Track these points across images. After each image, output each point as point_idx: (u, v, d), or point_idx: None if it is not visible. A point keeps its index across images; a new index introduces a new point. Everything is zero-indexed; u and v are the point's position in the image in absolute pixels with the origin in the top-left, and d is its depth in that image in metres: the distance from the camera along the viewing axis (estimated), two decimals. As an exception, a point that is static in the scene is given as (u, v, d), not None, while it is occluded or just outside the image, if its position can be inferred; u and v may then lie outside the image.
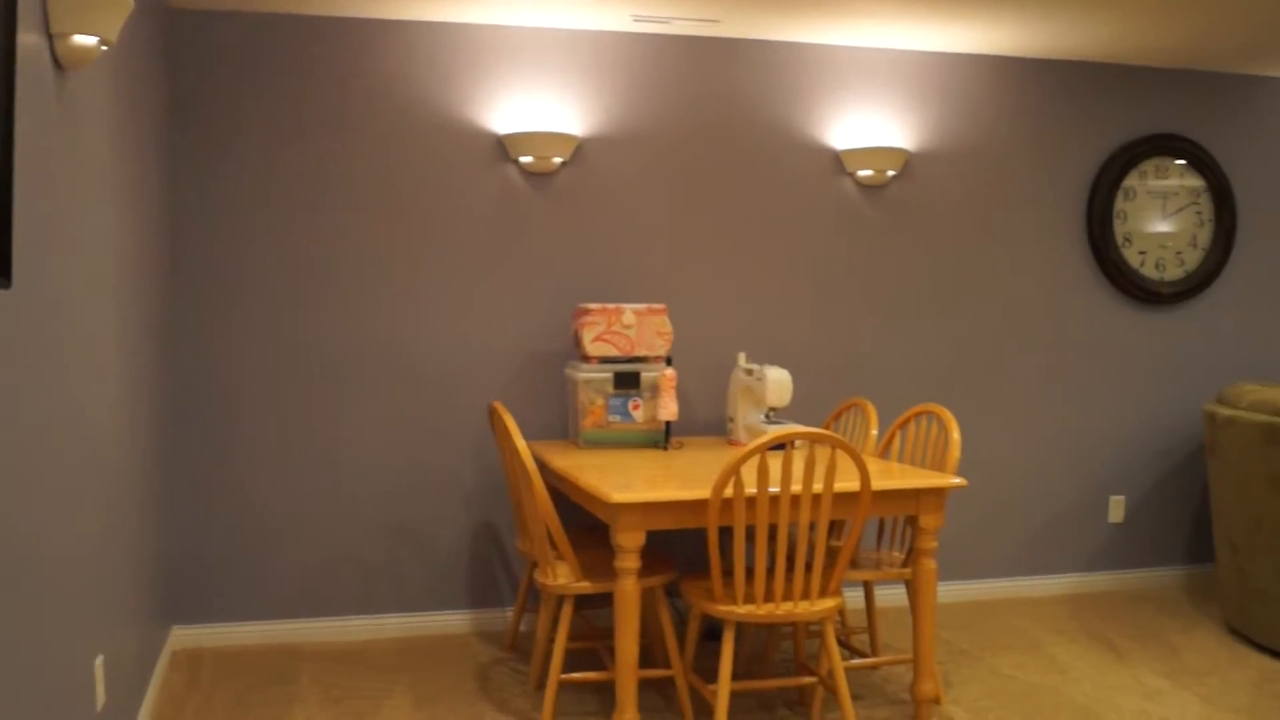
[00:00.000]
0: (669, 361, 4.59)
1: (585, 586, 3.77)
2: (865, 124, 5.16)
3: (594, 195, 4.90)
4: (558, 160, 4.76)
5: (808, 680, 3.81)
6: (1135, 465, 5.69)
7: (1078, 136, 5.49)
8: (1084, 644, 4.75)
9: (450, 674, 4.34)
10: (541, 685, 4.19)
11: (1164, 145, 5.59)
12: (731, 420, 4.67)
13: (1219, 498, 4.87)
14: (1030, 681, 4.29)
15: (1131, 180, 5.58)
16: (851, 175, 5.16)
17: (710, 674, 4.32)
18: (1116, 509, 5.66)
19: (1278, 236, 5.88)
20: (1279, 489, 4.44)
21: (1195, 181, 5.70)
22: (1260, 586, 4.61)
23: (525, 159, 4.74)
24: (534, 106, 4.79)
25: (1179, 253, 5.68)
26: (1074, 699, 4.11)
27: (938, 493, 3.77)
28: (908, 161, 5.24)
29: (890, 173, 5.11)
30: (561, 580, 3.80)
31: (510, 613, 4.93)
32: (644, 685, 4.23)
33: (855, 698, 4.10)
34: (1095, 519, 5.63)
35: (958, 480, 3.75)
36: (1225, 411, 4.78)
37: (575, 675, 3.86)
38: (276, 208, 4.63)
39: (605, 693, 4.15)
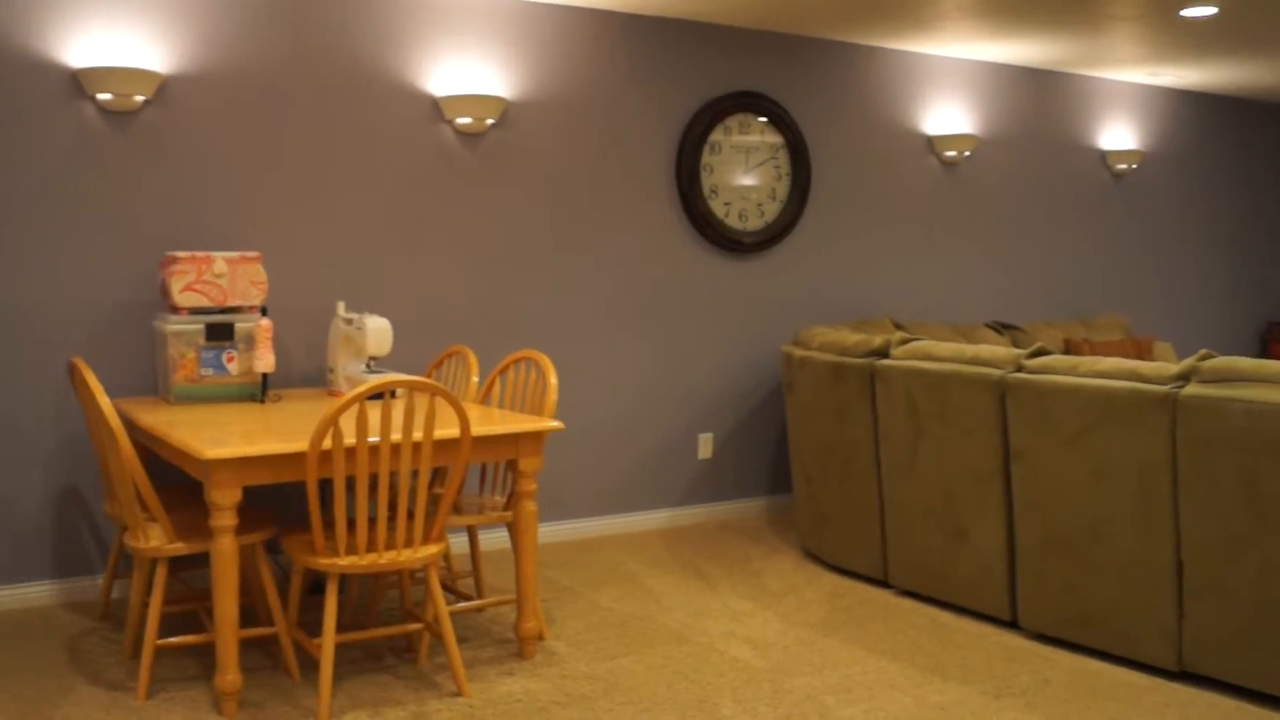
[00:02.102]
0: (264, 311, 4.45)
1: (179, 548, 3.62)
2: (464, 71, 5.17)
3: (182, 137, 4.64)
4: (140, 99, 4.47)
5: (414, 627, 3.84)
6: (722, 404, 6.07)
7: (669, 91, 5.74)
8: (677, 574, 5.04)
9: (36, 648, 4.05)
10: (137, 653, 3.99)
11: (747, 103, 5.94)
12: (332, 371, 4.59)
13: (795, 432, 5.28)
14: (628, 613, 4.51)
15: (717, 135, 5.90)
16: (450, 123, 5.16)
17: (317, 628, 4.27)
18: (705, 446, 6.02)
19: (844, 191, 6.40)
20: (845, 422, 4.87)
21: (775, 138, 6.10)
22: (830, 512, 5.05)
23: (104, 97, 4.43)
24: (114, 40, 4.48)
25: (760, 204, 6.07)
26: (668, 626, 4.35)
27: (536, 436, 3.88)
28: (506, 110, 5.30)
29: (489, 121, 5.15)
30: (154, 543, 3.63)
31: (101, 581, 4.65)
32: (248, 645, 4.12)
33: (462, 640, 4.17)
34: (686, 456, 5.97)
35: (555, 424, 3.87)
36: (800, 352, 5.17)
37: (172, 640, 3.71)
38: None
39: (206, 655, 4.01)
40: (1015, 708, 3.61)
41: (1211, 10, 5.43)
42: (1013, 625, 4.39)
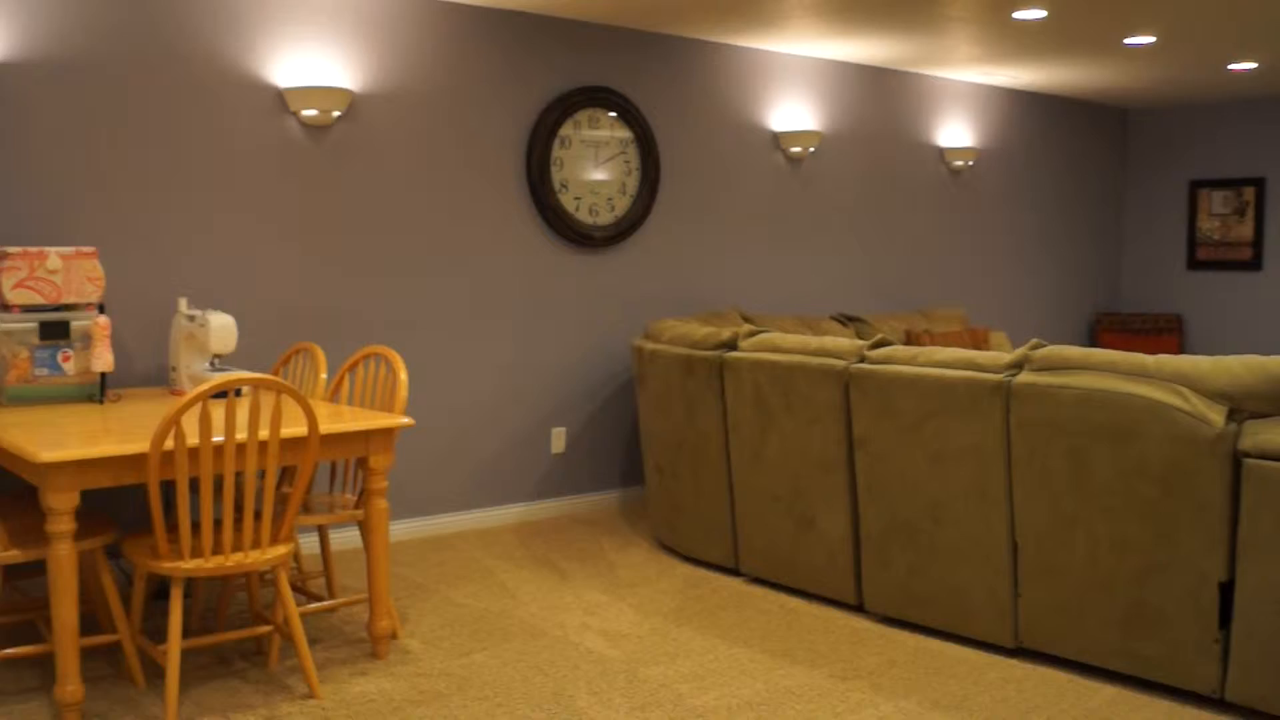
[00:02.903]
0: (102, 309, 4.31)
1: (14, 555, 3.49)
2: (309, 62, 5.08)
3: (13, 128, 4.46)
4: (-37, 89, 4.29)
5: (263, 630, 3.77)
6: (575, 398, 6.09)
7: (518, 85, 5.73)
8: (532, 569, 5.05)
9: None
10: (-34, 666, 3.84)
11: (596, 97, 5.97)
12: (174, 369, 4.48)
13: (647, 424, 5.33)
14: (483, 608, 4.50)
15: (567, 129, 5.91)
16: (295, 115, 5.07)
17: (163, 634, 4.16)
18: (558, 440, 6.04)
19: (693, 185, 6.48)
20: (695, 414, 4.94)
21: (624, 133, 6.14)
22: (682, 503, 5.12)
23: (-77, 86, 4.23)
24: (-69, 28, 4.29)
25: (610, 199, 6.11)
26: (524, 620, 4.36)
27: (387, 433, 3.85)
28: (353, 102, 5.22)
29: (335, 113, 5.08)
30: (-16, 550, 3.49)
31: (-74, 591, 4.45)
32: (90, 654, 4.00)
33: (314, 641, 4.11)
34: (539, 450, 5.98)
35: (406, 420, 3.84)
36: (650, 346, 5.23)
37: (9, 651, 3.57)
38: None
39: (46, 666, 3.87)
40: (862, 688, 3.72)
41: (1041, 13, 5.65)
42: (859, 609, 4.51)
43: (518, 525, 5.83)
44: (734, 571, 5.00)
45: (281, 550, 3.54)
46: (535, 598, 4.64)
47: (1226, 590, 3.50)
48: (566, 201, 5.93)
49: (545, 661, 3.94)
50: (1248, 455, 3.40)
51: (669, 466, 5.17)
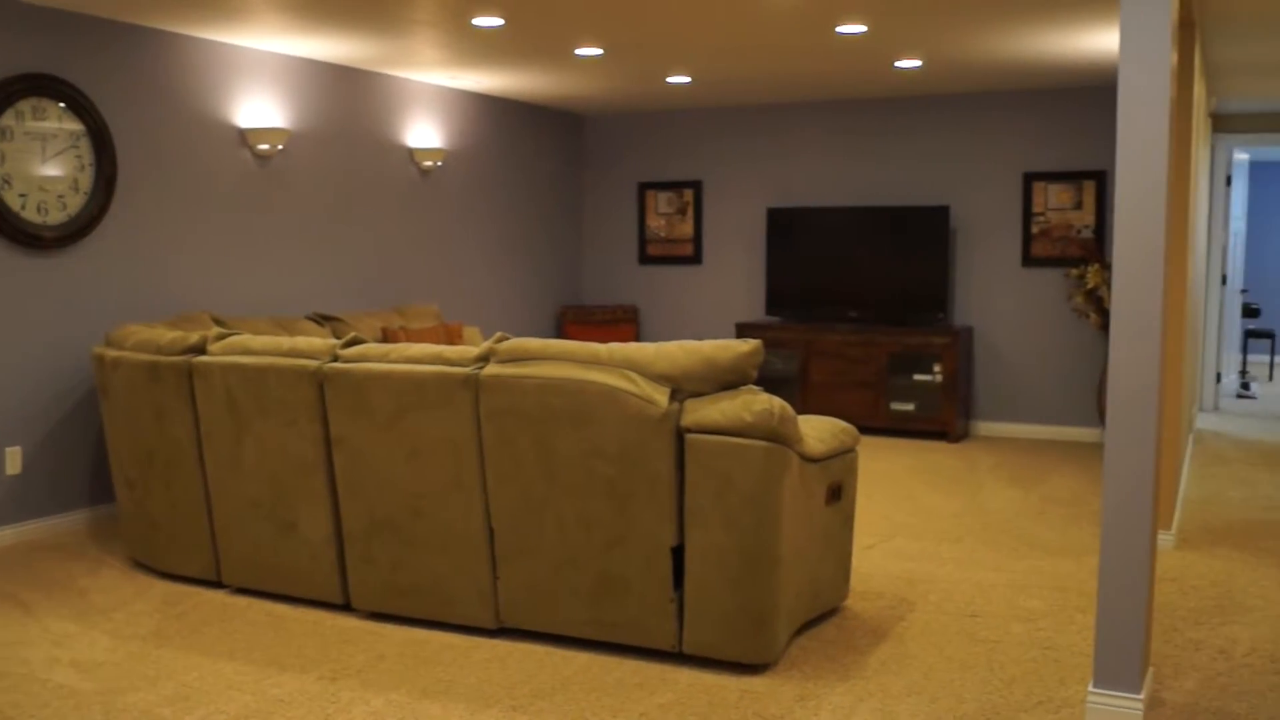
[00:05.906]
0: None
1: None
2: None
3: None
4: None
5: None
6: (31, 414, 5.64)
7: (-56, 75, 5.22)
8: (-13, 602, 4.65)
9: None
10: None
11: (42, 86, 5.55)
12: None
13: (114, 437, 5.05)
14: (-72, 652, 4.10)
15: (9, 120, 5.46)
16: None
17: None
18: (14, 460, 5.56)
19: (156, 183, 6.19)
20: (164, 423, 4.74)
21: (75, 125, 5.75)
22: (156, 517, 4.90)
23: None
24: None
25: (61, 196, 5.71)
26: (-22, 660, 4.02)
27: None
28: None
29: None
30: None
31: None
32: None
33: None
34: (-8, 473, 5.50)
35: None
36: (113, 353, 4.95)
37: None
38: None
39: None
40: (352, 687, 3.77)
41: (498, 21, 5.92)
42: (346, 608, 4.54)
43: (-32, 557, 5.33)
44: (217, 584, 4.86)
45: None
46: (-8, 634, 4.28)
47: (678, 554, 3.88)
48: (10, 198, 5.47)
49: (9, 704, 3.65)
50: (689, 430, 3.79)
51: (140, 480, 4.93)
